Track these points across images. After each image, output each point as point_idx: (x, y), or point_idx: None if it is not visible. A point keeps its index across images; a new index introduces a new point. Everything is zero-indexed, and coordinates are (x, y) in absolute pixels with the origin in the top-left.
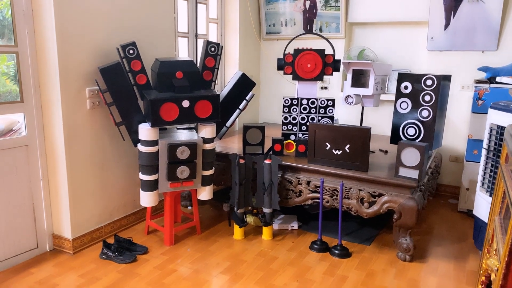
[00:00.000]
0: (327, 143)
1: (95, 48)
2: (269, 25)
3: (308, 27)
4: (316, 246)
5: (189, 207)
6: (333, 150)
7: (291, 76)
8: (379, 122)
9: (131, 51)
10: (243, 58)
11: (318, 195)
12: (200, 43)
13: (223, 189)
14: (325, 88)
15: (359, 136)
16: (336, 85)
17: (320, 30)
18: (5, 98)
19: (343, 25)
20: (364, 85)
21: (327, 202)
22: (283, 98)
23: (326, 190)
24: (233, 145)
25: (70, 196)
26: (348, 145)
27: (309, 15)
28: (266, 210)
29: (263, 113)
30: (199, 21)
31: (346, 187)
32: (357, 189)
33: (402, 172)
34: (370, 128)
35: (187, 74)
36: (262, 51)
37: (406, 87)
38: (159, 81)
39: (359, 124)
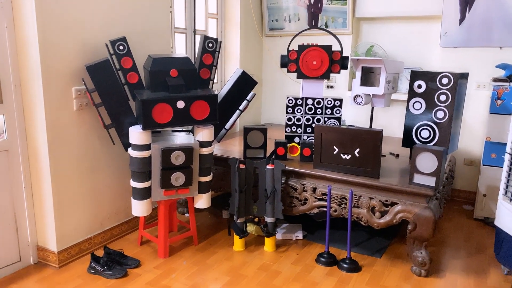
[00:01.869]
0: (334, 147)
1: (82, 43)
2: (272, 21)
3: (313, 23)
4: (323, 259)
5: (186, 214)
6: (341, 155)
7: (295, 74)
8: (389, 123)
9: (121, 47)
10: (244, 56)
11: (325, 203)
12: (199, 39)
13: (223, 194)
14: (331, 87)
15: (370, 139)
16: (343, 84)
17: (326, 25)
18: None
19: (350, 20)
20: (374, 83)
21: (335, 211)
22: (287, 97)
23: (334, 198)
24: (233, 148)
25: (55, 204)
26: (358, 149)
27: (314, 10)
28: (269, 219)
29: (266, 114)
30: (197, 16)
31: (355, 195)
32: (368, 197)
33: (417, 179)
34: (382, 130)
35: (182, 72)
36: (264, 48)
37: (419, 86)
38: (151, 80)
39: (368, 126)
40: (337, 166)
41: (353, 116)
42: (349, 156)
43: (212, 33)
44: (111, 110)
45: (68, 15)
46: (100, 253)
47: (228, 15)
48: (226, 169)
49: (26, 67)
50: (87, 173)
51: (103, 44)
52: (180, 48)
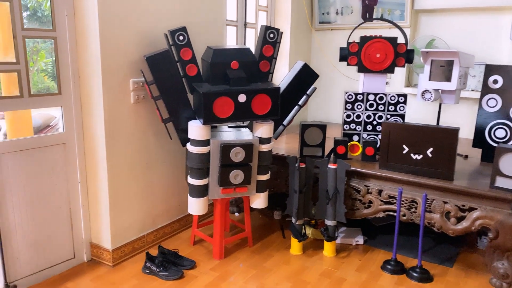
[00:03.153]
0: (404, 146)
1: (141, 33)
2: (322, 14)
3: (367, 15)
4: (389, 266)
5: (237, 214)
6: (412, 155)
7: (347, 69)
8: (453, 122)
9: (181, 38)
10: (294, 49)
11: (391, 206)
12: (249, 32)
13: (274, 194)
14: (386, 83)
15: (445, 138)
16: (399, 79)
17: (381, 18)
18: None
19: (408, 13)
20: (445, 78)
21: (404, 215)
22: (346, 92)
23: (403, 201)
24: (286, 145)
25: (111, 200)
26: (431, 149)
27: (369, 2)
28: (329, 222)
29: (312, 111)
30: (248, 9)
31: (427, 198)
32: (441, 201)
33: (500, 182)
34: (459, 129)
35: (243, 64)
36: (314, 41)
37: (495, 81)
38: (212, 72)
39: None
40: (406, 167)
41: (410, 113)
42: (421, 156)
43: None
44: (169, 104)
45: (127, 4)
46: (153, 252)
47: (278, 8)
48: (280, 168)
49: (85, 58)
50: (143, 169)
51: (161, 35)
52: (231, 41)
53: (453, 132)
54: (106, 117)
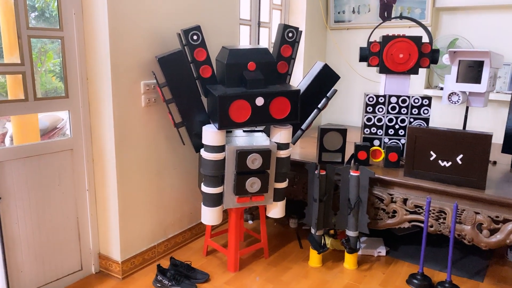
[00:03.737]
0: (431, 152)
1: (153, 33)
2: (338, 12)
3: (385, 14)
4: (416, 281)
5: (250, 221)
6: (440, 161)
7: (364, 70)
8: (480, 125)
9: (195, 37)
10: (309, 50)
11: (418, 216)
12: (263, 32)
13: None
14: None
15: (477, 144)
16: (419, 81)
17: (402, 16)
18: (50, 95)
19: (429, 11)
20: (474, 79)
21: (431, 226)
22: (367, 95)
23: (430, 211)
24: (302, 150)
25: (120, 209)
26: (461, 155)
27: (388, 0)
28: (351, 233)
29: (328, 114)
30: (262, 8)
31: (458, 209)
32: (473, 211)
33: None
34: (492, 135)
35: (261, 65)
36: (329, 41)
37: None
38: (227, 74)
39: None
40: (434, 174)
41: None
42: (449, 163)
43: (276, 26)
44: (182, 107)
45: (138, 3)
46: (164, 263)
47: (293, 6)
48: (297, 174)
49: (94, 59)
50: (153, 176)
51: (173, 35)
52: (244, 41)
53: (486, 138)
54: (116, 121)
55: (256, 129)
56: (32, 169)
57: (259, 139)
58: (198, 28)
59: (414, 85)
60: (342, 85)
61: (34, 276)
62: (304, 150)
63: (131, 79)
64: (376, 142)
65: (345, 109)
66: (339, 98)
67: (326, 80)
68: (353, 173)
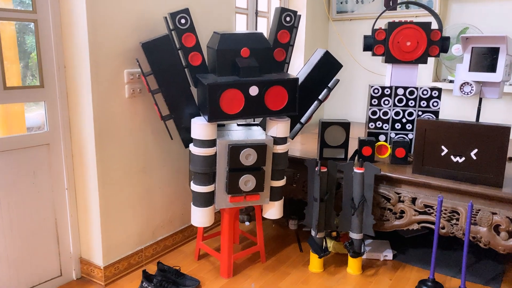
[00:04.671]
0: (443, 147)
1: (139, 16)
2: (340, 3)
3: (390, 3)
4: None
5: (247, 223)
6: (452, 157)
7: (368, 62)
8: (493, 118)
9: (183, 21)
10: (310, 41)
11: (428, 217)
12: (261, 21)
13: (288, 201)
14: None
15: (494, 137)
16: (426, 73)
17: (407, 6)
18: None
19: None
20: (488, 68)
21: (443, 228)
22: (371, 86)
23: (442, 211)
24: (302, 146)
25: (102, 210)
26: (476, 150)
27: None
28: (355, 236)
29: (329, 108)
30: None
31: (472, 209)
32: (489, 212)
33: None
34: (510, 126)
35: (256, 51)
36: (331, 32)
37: None
38: (218, 61)
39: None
40: (446, 171)
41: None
42: (463, 158)
43: None
44: (169, 98)
45: None
46: (152, 269)
47: None
48: (296, 172)
49: (72, 45)
50: (140, 174)
51: (161, 19)
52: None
53: (504, 131)
54: (96, 113)
55: (252, 122)
56: (3, 165)
57: (255, 133)
58: (186, 11)
59: (422, 78)
60: (345, 78)
61: (7, 282)
62: (304, 146)
63: (114, 67)
64: (382, 137)
65: (348, 104)
66: (341, 92)
67: (327, 69)
68: (357, 170)
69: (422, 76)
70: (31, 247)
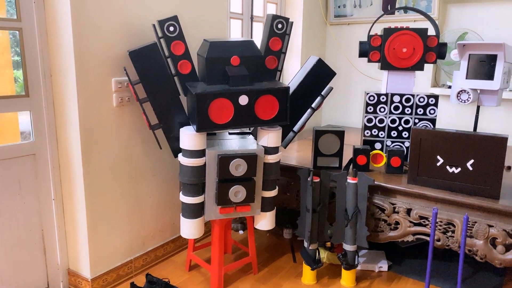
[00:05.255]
0: (438, 157)
1: (127, 24)
2: (338, 7)
3: (389, 7)
4: None
5: (241, 231)
6: (448, 167)
7: (366, 67)
8: (492, 127)
9: (171, 28)
10: (307, 46)
11: (423, 229)
12: (256, 26)
13: (282, 210)
14: None
15: (491, 148)
16: (424, 78)
17: (405, 10)
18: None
19: (436, 3)
20: (486, 76)
21: (438, 240)
22: (367, 94)
23: (437, 223)
24: (297, 154)
25: (89, 221)
26: (472, 161)
27: None
28: (349, 247)
29: (327, 114)
30: (255, 0)
31: (468, 221)
32: (485, 224)
33: None
34: (507, 137)
35: (246, 59)
36: (329, 37)
37: None
38: (208, 70)
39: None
40: (441, 181)
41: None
42: (459, 169)
43: None
44: (158, 107)
45: None
46: (142, 280)
47: (290, 0)
48: (290, 180)
49: (58, 53)
50: (129, 184)
51: (150, 27)
52: (235, 36)
53: (501, 141)
54: (82, 122)
55: (245, 131)
56: None
57: (245, 143)
58: (175, 18)
59: (420, 83)
60: (342, 84)
61: None
62: (300, 153)
63: (101, 75)
64: (378, 145)
65: (346, 110)
66: (339, 98)
67: (320, 76)
68: (350, 180)
69: (420, 81)
70: (18, 258)
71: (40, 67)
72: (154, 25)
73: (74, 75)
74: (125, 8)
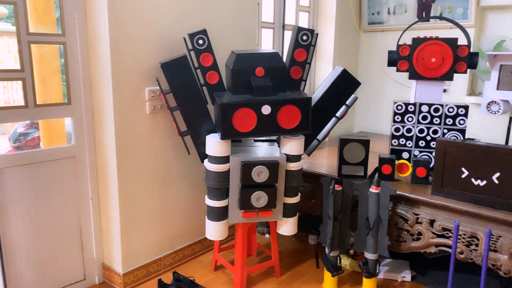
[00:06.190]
0: (463, 169)
1: (159, 37)
2: (372, 14)
3: (423, 14)
4: None
5: (267, 235)
6: (473, 179)
7: (399, 75)
8: None
9: (200, 41)
10: (339, 53)
11: (445, 241)
12: (288, 35)
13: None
14: (445, 90)
15: None
16: (460, 86)
17: (440, 17)
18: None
19: (473, 10)
20: None
21: (461, 253)
22: (395, 103)
23: (460, 236)
24: (323, 161)
25: (122, 220)
26: (498, 174)
27: None
28: (370, 256)
29: (360, 121)
30: (287, 9)
31: (493, 235)
32: (510, 239)
33: None
34: None
35: (270, 70)
36: (362, 44)
37: None
38: (233, 80)
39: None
40: (465, 194)
41: (472, 127)
42: (484, 182)
43: None
44: (187, 115)
45: (141, 5)
46: (169, 277)
47: (322, 8)
48: (316, 187)
49: (97, 65)
50: (159, 186)
51: (181, 39)
52: (267, 45)
53: None
54: (117, 128)
55: (270, 139)
56: (32, 177)
57: (269, 151)
58: (204, 32)
59: (455, 92)
60: (375, 90)
61: (35, 284)
62: (328, 161)
63: (135, 85)
64: (405, 155)
65: (378, 117)
66: (372, 105)
67: (345, 86)
68: (372, 189)
69: (456, 90)
70: (58, 252)
71: (81, 77)
72: (184, 38)
73: (110, 84)
74: (157, 22)
